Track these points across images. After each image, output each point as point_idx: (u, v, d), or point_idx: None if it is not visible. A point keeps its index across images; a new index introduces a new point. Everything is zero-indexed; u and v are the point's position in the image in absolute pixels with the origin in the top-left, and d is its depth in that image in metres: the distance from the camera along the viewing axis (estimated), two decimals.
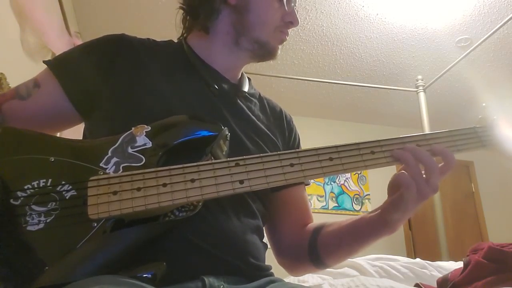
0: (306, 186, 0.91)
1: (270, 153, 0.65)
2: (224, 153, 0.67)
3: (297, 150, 0.66)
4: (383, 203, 0.71)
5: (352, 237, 0.77)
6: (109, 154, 0.63)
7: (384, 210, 0.70)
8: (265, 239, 0.80)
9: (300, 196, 0.87)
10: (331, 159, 0.66)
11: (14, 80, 1.38)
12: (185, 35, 0.87)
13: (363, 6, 2.96)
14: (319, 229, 0.82)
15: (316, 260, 0.80)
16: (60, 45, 1.98)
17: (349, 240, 0.77)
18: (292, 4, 0.84)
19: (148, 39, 0.84)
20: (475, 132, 0.76)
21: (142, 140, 0.65)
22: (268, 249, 0.80)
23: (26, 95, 0.75)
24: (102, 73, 0.74)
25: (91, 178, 0.60)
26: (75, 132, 0.90)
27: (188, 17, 0.86)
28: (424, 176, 0.65)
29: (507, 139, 0.74)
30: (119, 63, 0.75)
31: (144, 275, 0.56)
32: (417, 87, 3.11)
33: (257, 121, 0.82)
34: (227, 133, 0.69)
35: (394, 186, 0.68)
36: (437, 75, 3.11)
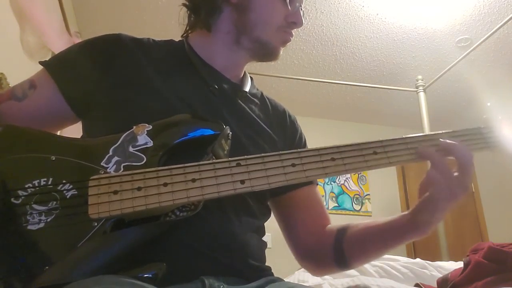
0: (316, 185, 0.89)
1: (271, 153, 0.65)
2: (225, 152, 0.67)
3: (298, 150, 0.66)
4: (415, 205, 0.69)
5: (379, 240, 0.76)
6: (110, 153, 0.63)
7: (414, 211, 0.69)
8: (264, 237, 0.80)
9: (313, 195, 0.86)
10: (333, 159, 0.65)
11: (14, 80, 1.37)
12: (188, 33, 0.86)
13: (363, 6, 2.96)
14: (344, 231, 0.80)
15: (341, 262, 0.79)
16: (60, 45, 1.98)
17: (376, 243, 0.76)
18: (297, 4, 0.82)
19: (148, 39, 0.83)
20: (480, 132, 0.74)
21: (143, 139, 0.64)
22: (268, 249, 0.80)
23: (22, 96, 0.75)
24: (98, 73, 0.74)
25: (92, 178, 0.60)
26: (76, 132, 0.90)
27: (190, 14, 0.85)
28: (454, 172, 0.64)
29: None
30: (115, 63, 0.75)
31: (145, 275, 0.56)
32: (417, 87, 3.11)
33: (258, 120, 0.82)
34: (228, 132, 0.68)
35: (424, 186, 0.67)
36: (437, 75, 3.11)
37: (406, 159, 0.69)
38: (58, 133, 0.79)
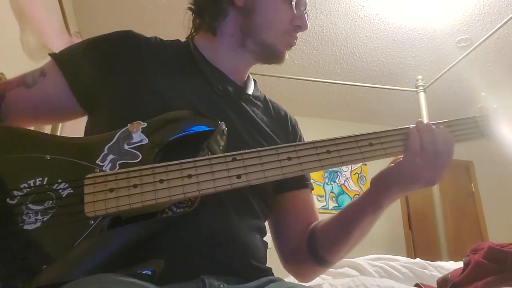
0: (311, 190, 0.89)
1: (267, 147, 0.65)
2: (221, 148, 0.67)
3: (294, 143, 0.66)
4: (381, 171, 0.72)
5: (342, 222, 0.77)
6: (105, 151, 0.63)
7: (373, 179, 0.71)
8: (266, 238, 0.79)
9: (305, 200, 0.87)
10: (329, 151, 0.65)
11: None
12: (193, 34, 0.87)
13: (363, 6, 2.96)
14: (316, 224, 0.81)
15: (316, 258, 0.79)
16: (60, 45, 1.98)
17: (340, 227, 0.77)
18: (302, 8, 0.83)
19: (155, 37, 0.83)
20: (474, 121, 0.76)
21: (138, 136, 0.64)
22: (268, 249, 0.79)
23: (32, 83, 0.75)
24: (103, 70, 0.74)
25: (88, 176, 0.59)
26: (76, 131, 0.90)
27: (196, 17, 0.85)
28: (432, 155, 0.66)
29: (507, 129, 0.73)
30: (120, 62, 0.75)
31: (144, 272, 0.56)
32: (417, 87, 3.11)
33: (260, 123, 0.82)
34: (224, 127, 0.68)
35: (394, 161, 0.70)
36: (437, 75, 3.11)
37: (402, 150, 0.69)
38: (59, 126, 0.79)
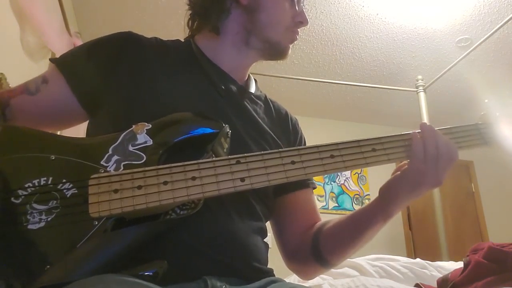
0: (312, 189, 0.90)
1: (271, 151, 0.65)
2: (225, 150, 0.67)
3: (298, 147, 0.66)
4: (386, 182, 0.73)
5: (350, 228, 0.77)
6: (110, 152, 0.63)
7: (381, 189, 0.72)
8: (266, 239, 0.80)
9: (307, 199, 0.87)
10: (332, 156, 0.66)
11: (14, 80, 1.37)
12: (193, 35, 0.87)
13: (363, 6, 2.96)
14: (321, 226, 0.82)
15: (319, 259, 0.80)
16: (60, 45, 1.98)
17: (347, 232, 0.78)
18: (301, 4, 0.84)
19: (155, 38, 0.84)
20: (477, 129, 0.76)
21: (142, 138, 0.64)
22: (269, 249, 0.80)
23: (35, 91, 0.75)
24: (106, 73, 0.74)
25: (92, 176, 0.60)
26: (77, 130, 0.90)
27: (197, 17, 0.85)
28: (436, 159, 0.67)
29: (510, 136, 0.74)
30: (123, 63, 0.75)
31: (146, 273, 0.56)
32: (417, 87, 3.11)
33: (262, 123, 0.82)
34: (228, 130, 0.68)
35: (400, 167, 0.71)
36: (437, 75, 3.11)
37: (405, 156, 0.70)
38: (58, 132, 0.80)
